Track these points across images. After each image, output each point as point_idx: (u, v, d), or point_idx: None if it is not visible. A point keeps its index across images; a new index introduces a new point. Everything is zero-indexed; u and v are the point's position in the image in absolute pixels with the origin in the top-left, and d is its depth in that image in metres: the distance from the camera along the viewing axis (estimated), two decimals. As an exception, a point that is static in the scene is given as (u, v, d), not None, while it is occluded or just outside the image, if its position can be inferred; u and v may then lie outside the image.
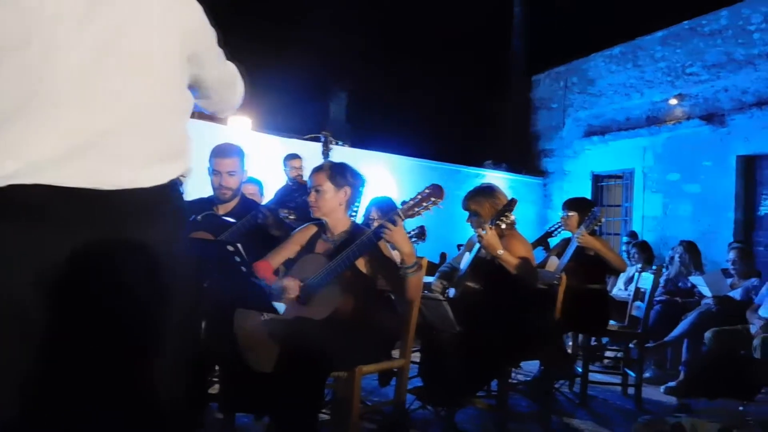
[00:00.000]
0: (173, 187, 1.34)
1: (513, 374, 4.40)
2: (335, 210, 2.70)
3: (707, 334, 4.41)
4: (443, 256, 5.95)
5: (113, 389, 1.22)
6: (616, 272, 4.59)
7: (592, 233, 4.06)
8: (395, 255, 2.65)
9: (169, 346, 1.29)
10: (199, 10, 1.39)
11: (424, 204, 2.45)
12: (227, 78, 1.56)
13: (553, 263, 4.22)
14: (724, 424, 1.74)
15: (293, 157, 5.16)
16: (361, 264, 2.59)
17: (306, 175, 3.12)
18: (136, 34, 1.24)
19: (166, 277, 1.27)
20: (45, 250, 1.14)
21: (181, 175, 1.38)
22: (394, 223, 2.43)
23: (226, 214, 3.04)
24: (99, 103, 1.20)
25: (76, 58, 1.17)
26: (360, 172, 2.79)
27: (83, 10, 1.18)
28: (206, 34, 1.42)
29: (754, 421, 1.71)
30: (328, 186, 2.65)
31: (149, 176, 1.26)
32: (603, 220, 4.03)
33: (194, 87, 1.45)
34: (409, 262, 2.51)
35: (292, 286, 2.50)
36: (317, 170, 2.72)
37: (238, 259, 2.05)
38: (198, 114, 1.63)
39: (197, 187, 3.26)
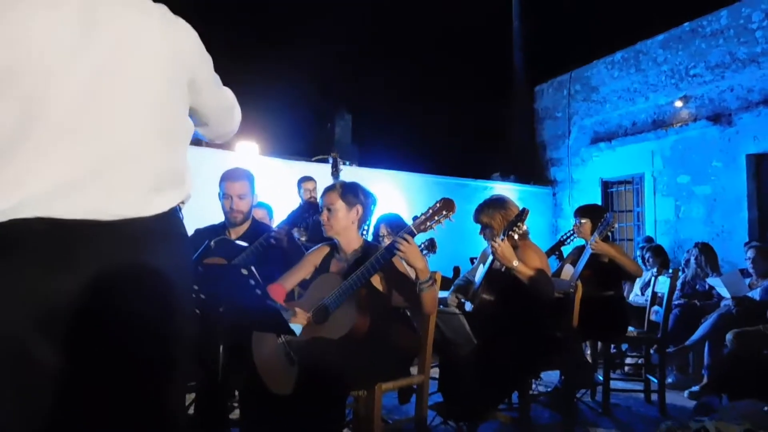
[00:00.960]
0: (174, 213, 1.35)
1: (533, 385, 4.36)
2: (347, 228, 2.71)
3: (728, 336, 4.36)
4: (456, 270, 5.94)
5: (125, 416, 1.22)
6: (632, 278, 4.55)
7: (606, 239, 4.04)
8: (409, 271, 2.64)
9: (177, 370, 1.31)
10: (194, 36, 1.39)
11: (436, 218, 2.45)
12: (225, 103, 1.56)
13: (568, 272, 4.20)
14: (749, 426, 1.72)
15: (307, 179, 5.24)
16: (376, 281, 2.59)
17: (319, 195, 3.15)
18: (132, 62, 1.23)
19: (170, 303, 1.28)
20: (47, 285, 1.13)
21: (181, 202, 1.39)
22: (406, 239, 2.43)
23: (238, 238, 3.06)
24: (97, 133, 1.19)
25: (72, 88, 1.16)
26: (370, 191, 2.81)
27: (77, 39, 1.17)
28: (203, 59, 1.42)
29: (781, 420, 1.68)
30: (340, 205, 2.67)
31: (151, 205, 1.26)
32: (616, 225, 4.01)
33: (192, 114, 1.46)
34: (423, 277, 2.51)
35: (301, 319, 2.51)
36: (329, 190, 2.74)
37: (252, 282, 2.05)
38: (205, 142, 1.66)
39: (208, 212, 3.29)
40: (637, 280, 5.96)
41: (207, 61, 1.44)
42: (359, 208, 2.71)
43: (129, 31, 1.24)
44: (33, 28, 1.14)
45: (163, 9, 1.33)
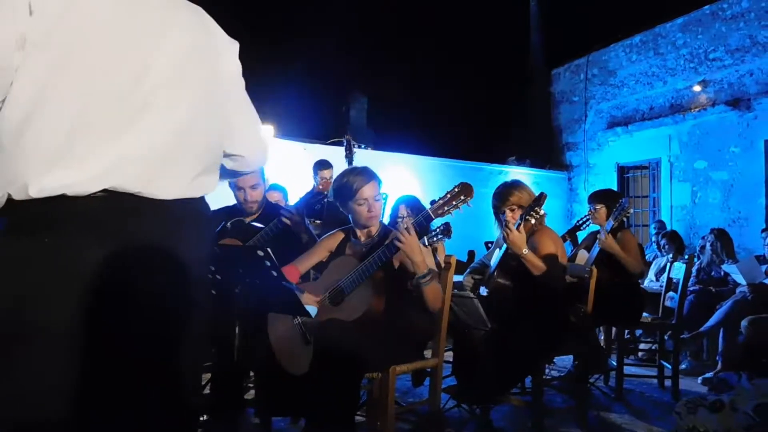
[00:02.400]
0: (203, 198, 1.39)
1: (547, 370, 4.37)
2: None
3: (743, 323, 4.34)
4: (471, 254, 5.94)
5: (142, 393, 1.24)
6: (632, 272, 4.46)
7: (621, 224, 4.02)
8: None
9: (196, 351, 1.35)
10: (236, 54, 1.47)
11: (454, 203, 2.45)
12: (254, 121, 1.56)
13: (583, 257, 4.18)
14: (763, 401, 1.72)
15: (324, 166, 5.04)
16: (394, 262, 2.60)
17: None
18: (195, 53, 1.31)
19: (197, 283, 1.33)
20: (85, 260, 1.16)
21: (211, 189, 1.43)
22: (407, 231, 2.42)
23: (253, 220, 3.08)
24: (160, 114, 1.24)
25: (139, 69, 1.22)
26: None
27: (155, 26, 1.25)
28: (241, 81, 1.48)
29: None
30: (379, 194, 2.69)
31: (197, 187, 1.32)
32: (631, 210, 3.99)
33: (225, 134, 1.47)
34: (419, 271, 2.46)
35: (310, 302, 2.52)
36: (374, 180, 2.67)
37: (268, 263, 2.07)
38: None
39: (219, 196, 3.31)
40: (653, 265, 5.94)
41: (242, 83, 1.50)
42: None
43: (193, 24, 1.33)
44: (102, 8, 1.20)
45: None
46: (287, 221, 2.92)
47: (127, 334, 1.22)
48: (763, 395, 1.79)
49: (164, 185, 1.25)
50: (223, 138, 1.43)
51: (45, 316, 1.14)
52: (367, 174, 2.68)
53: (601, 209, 4.17)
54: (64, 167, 1.15)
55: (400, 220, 3.53)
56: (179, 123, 1.27)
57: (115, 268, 1.18)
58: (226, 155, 1.47)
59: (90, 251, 1.16)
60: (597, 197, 4.31)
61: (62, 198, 1.15)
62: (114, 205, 1.19)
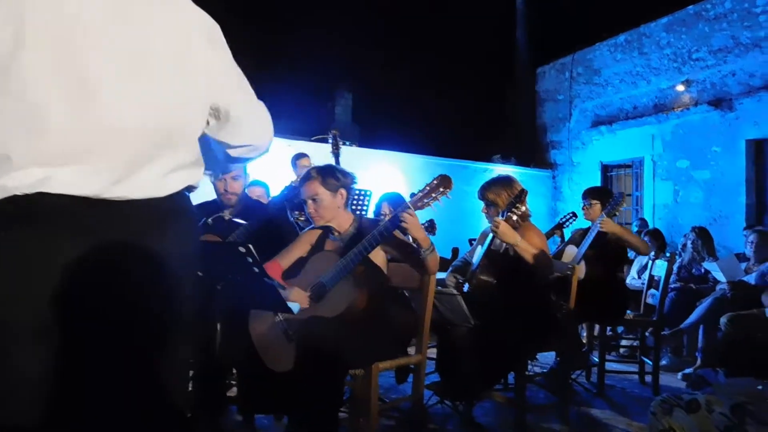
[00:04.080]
0: (185, 195, 1.37)
1: (530, 366, 4.39)
2: (337, 213, 2.71)
3: (723, 320, 4.39)
4: (455, 251, 5.96)
5: (123, 391, 1.23)
6: (633, 260, 4.52)
7: (612, 218, 4.06)
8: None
9: (179, 349, 1.32)
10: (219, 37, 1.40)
11: (433, 195, 2.46)
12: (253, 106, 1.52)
13: (570, 253, 4.20)
14: (739, 401, 1.74)
15: (302, 156, 5.09)
16: (374, 257, 2.60)
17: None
18: (158, 43, 1.26)
19: (177, 283, 1.30)
20: (64, 257, 1.15)
21: (193, 186, 1.40)
22: (409, 212, 2.46)
23: (233, 215, 3.06)
24: (122, 114, 1.21)
25: (98, 65, 1.18)
26: (346, 170, 2.80)
27: (111, 16, 1.20)
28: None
29: (773, 398, 1.70)
30: (323, 192, 2.66)
31: (167, 185, 1.28)
32: (624, 204, 4.03)
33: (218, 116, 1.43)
34: (426, 246, 2.61)
35: (301, 299, 2.52)
36: (307, 180, 2.70)
37: (250, 260, 2.06)
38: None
39: (200, 192, 3.29)
40: (635, 263, 5.99)
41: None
42: (342, 191, 2.71)
43: (152, 12, 1.26)
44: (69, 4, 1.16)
45: None
46: (301, 219, 2.92)
47: (104, 331, 1.20)
48: (739, 394, 1.81)
49: (135, 182, 1.22)
50: (221, 130, 1.40)
51: (16, 313, 1.12)
52: (313, 171, 2.72)
53: (596, 205, 4.21)
54: (39, 165, 1.13)
55: (383, 216, 3.53)
56: (144, 118, 1.23)
57: (89, 265, 1.16)
58: (232, 147, 1.45)
59: (63, 248, 1.15)
60: (591, 193, 4.35)
61: (37, 195, 1.13)
62: (84, 202, 1.17)
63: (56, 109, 1.14)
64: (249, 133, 1.48)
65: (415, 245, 2.63)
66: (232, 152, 1.48)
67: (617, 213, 4.04)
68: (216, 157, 1.50)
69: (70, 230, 1.16)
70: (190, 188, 1.40)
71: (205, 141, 1.42)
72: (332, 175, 2.69)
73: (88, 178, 1.17)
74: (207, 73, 1.34)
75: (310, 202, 2.68)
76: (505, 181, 3.37)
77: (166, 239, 1.27)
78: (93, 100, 1.17)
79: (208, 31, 1.36)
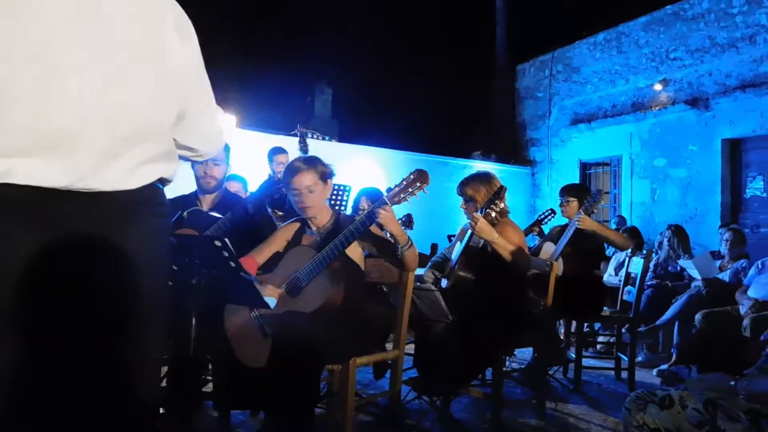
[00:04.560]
0: (156, 185, 1.34)
1: (507, 362, 4.41)
2: (323, 204, 2.71)
3: (697, 316, 4.45)
4: (434, 247, 5.96)
5: (91, 386, 1.21)
6: (622, 248, 4.54)
7: (589, 216, 4.09)
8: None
9: (146, 343, 1.30)
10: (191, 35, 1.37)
11: (410, 190, 2.44)
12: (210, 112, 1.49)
13: (549, 249, 4.22)
14: (711, 396, 1.76)
15: (280, 151, 5.01)
16: (351, 252, 2.58)
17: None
18: (126, 33, 1.23)
19: (146, 275, 1.27)
20: (24, 250, 1.12)
21: (166, 179, 1.37)
22: (385, 207, 2.44)
23: (210, 209, 3.02)
24: (91, 105, 1.18)
25: (67, 56, 1.15)
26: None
27: (78, 8, 1.17)
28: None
29: (745, 394, 1.72)
30: (317, 183, 2.64)
31: (135, 177, 1.26)
32: (602, 202, 4.05)
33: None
34: (402, 241, 2.59)
35: (274, 292, 2.50)
36: (298, 172, 2.64)
37: (226, 254, 2.03)
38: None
39: (180, 185, 3.24)
40: (612, 260, 6.05)
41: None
42: (330, 182, 2.72)
43: (121, 3, 1.23)
44: None
45: None
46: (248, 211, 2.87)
47: (69, 324, 1.18)
48: (711, 390, 1.83)
49: (103, 175, 1.20)
50: (174, 127, 1.36)
51: None
52: (304, 162, 2.68)
53: (573, 202, 4.23)
54: (4, 156, 1.11)
55: (361, 212, 3.51)
56: (112, 110, 1.20)
57: (52, 257, 1.14)
58: (178, 145, 1.41)
59: (25, 240, 1.12)
60: (568, 191, 4.36)
61: (1, 186, 1.11)
62: (49, 193, 1.15)
63: (22, 101, 1.12)
64: (199, 136, 1.44)
65: (392, 240, 2.61)
66: (176, 151, 1.43)
67: (595, 210, 4.06)
68: None
69: (34, 222, 1.14)
70: (164, 181, 1.37)
71: None
72: (323, 165, 2.71)
73: (54, 170, 1.14)
74: (175, 66, 1.31)
75: (305, 192, 2.63)
76: (484, 178, 3.37)
77: (136, 231, 1.25)
78: (59, 92, 1.14)
79: (177, 22, 1.33)
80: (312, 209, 2.66)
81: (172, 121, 1.34)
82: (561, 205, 4.35)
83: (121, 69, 1.21)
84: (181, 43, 1.33)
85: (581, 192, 4.27)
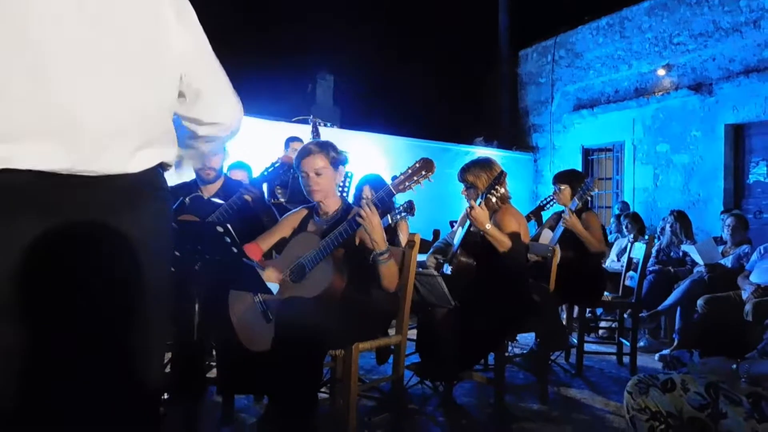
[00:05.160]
0: (158, 169, 1.33)
1: (509, 347, 4.43)
2: (333, 190, 2.69)
3: (699, 302, 4.46)
4: (436, 233, 5.95)
5: (94, 373, 1.21)
6: (593, 250, 4.52)
7: (585, 204, 4.07)
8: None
9: (150, 329, 1.30)
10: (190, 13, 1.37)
11: (415, 178, 2.44)
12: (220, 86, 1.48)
13: (547, 236, 4.23)
14: (712, 380, 1.76)
15: (295, 140, 5.11)
16: (356, 240, 2.58)
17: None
18: (121, 19, 1.22)
19: (148, 260, 1.27)
20: (28, 235, 1.12)
21: (167, 164, 1.37)
22: (369, 208, 2.41)
23: (212, 196, 3.03)
24: (88, 90, 1.17)
25: (61, 40, 1.14)
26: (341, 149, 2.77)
27: None
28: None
29: (747, 377, 1.73)
30: (327, 166, 2.62)
31: (136, 161, 1.25)
32: (595, 190, 4.04)
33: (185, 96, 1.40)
34: (377, 249, 2.47)
35: (273, 277, 2.50)
36: (310, 153, 2.62)
37: (228, 240, 2.04)
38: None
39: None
40: (614, 245, 6.05)
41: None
42: (341, 168, 2.69)
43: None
44: None
45: None
46: (248, 198, 2.87)
47: (74, 309, 1.18)
48: (712, 373, 1.83)
49: (104, 159, 1.19)
50: (191, 107, 1.38)
51: None
52: (315, 146, 2.66)
53: (566, 189, 4.22)
54: (4, 141, 1.10)
55: (364, 199, 3.51)
56: (111, 94, 1.20)
57: (55, 241, 1.14)
58: (201, 123, 1.43)
59: (28, 225, 1.12)
60: (561, 178, 4.35)
61: (2, 172, 1.10)
62: (51, 178, 1.14)
63: (18, 85, 1.11)
64: (221, 111, 1.45)
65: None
66: (201, 130, 1.45)
67: (589, 196, 4.05)
68: (183, 137, 1.47)
69: (38, 207, 1.14)
70: (165, 166, 1.37)
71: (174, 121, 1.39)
72: (335, 151, 2.67)
73: (54, 154, 1.14)
74: (176, 48, 1.31)
75: (312, 175, 2.60)
76: (485, 163, 3.36)
77: (138, 215, 1.25)
78: (56, 76, 1.14)
79: (174, 3, 1.32)
80: (319, 193, 2.64)
81: (172, 102, 1.34)
82: (554, 193, 4.36)
83: (118, 53, 1.21)
84: (180, 24, 1.32)
85: (573, 179, 4.25)
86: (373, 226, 2.42)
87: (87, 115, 1.17)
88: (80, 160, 1.16)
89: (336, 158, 2.65)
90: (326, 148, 2.65)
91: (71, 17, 1.15)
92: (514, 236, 3.18)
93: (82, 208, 1.18)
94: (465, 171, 3.35)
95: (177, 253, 2.23)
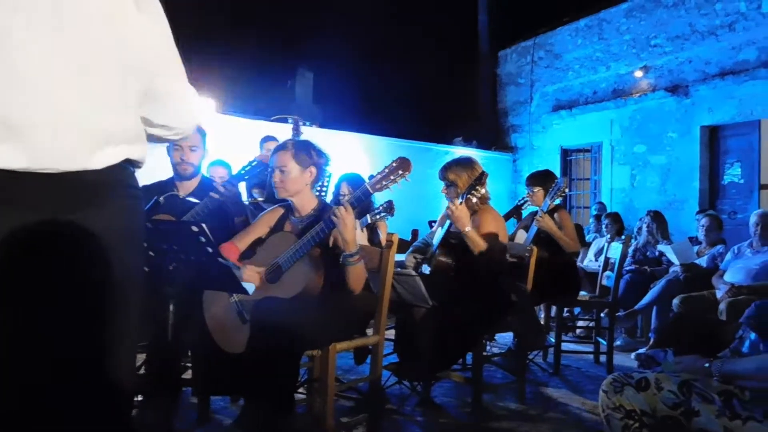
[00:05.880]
0: (127, 169, 1.30)
1: (488, 347, 4.44)
2: (302, 191, 2.66)
3: (675, 301, 4.52)
4: (415, 232, 5.97)
5: (61, 373, 1.18)
6: (569, 250, 4.56)
7: (558, 204, 4.12)
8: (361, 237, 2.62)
9: (118, 329, 1.27)
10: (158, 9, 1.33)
11: (392, 177, 2.43)
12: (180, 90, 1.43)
13: (521, 236, 4.26)
14: (685, 378, 1.78)
15: (270, 139, 5.06)
16: (332, 241, 2.56)
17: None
18: (80, 15, 1.18)
19: (116, 259, 1.24)
20: None
21: (137, 162, 1.33)
22: (344, 208, 2.40)
23: (188, 195, 2.99)
24: (45, 83, 1.14)
25: (21, 36, 1.11)
26: (324, 150, 2.74)
27: None
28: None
29: (719, 376, 1.75)
30: (293, 166, 2.59)
31: (98, 158, 1.22)
32: (567, 189, 4.08)
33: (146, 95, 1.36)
34: (347, 250, 2.46)
35: (253, 277, 2.47)
36: (281, 149, 2.64)
37: (203, 239, 2.01)
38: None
39: (159, 172, 3.20)
40: (592, 245, 6.10)
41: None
42: (313, 169, 2.65)
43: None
44: None
45: None
46: (216, 196, 2.83)
47: (33, 309, 1.15)
48: (686, 372, 1.85)
49: (63, 154, 1.16)
50: (143, 105, 1.32)
51: None
52: (290, 143, 2.66)
53: (538, 191, 4.26)
54: None
55: (342, 197, 3.50)
56: (68, 86, 1.17)
57: (14, 240, 1.11)
58: (152, 125, 1.37)
59: None
60: (532, 180, 4.40)
61: None
62: (11, 175, 1.11)
63: None
64: (176, 115, 1.39)
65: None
66: (149, 130, 1.38)
67: (562, 195, 4.09)
68: None
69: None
70: (134, 164, 1.34)
71: None
72: (306, 151, 2.64)
73: (9, 152, 1.11)
74: (136, 40, 1.27)
75: (276, 172, 2.61)
76: (467, 163, 3.37)
77: (103, 212, 1.22)
78: (10, 71, 1.11)
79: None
80: (281, 190, 2.63)
81: (133, 99, 1.30)
82: (528, 195, 4.40)
83: (75, 45, 1.18)
84: (142, 13, 1.28)
85: (545, 180, 4.29)
86: (347, 226, 2.41)
87: (42, 113, 1.14)
88: (37, 158, 1.13)
89: (307, 159, 2.62)
90: (299, 147, 2.64)
91: (26, 14, 1.12)
92: (493, 237, 3.19)
93: (41, 204, 1.15)
94: (446, 169, 3.36)
95: (151, 253, 2.20)
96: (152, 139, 1.42)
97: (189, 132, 1.47)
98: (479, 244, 3.11)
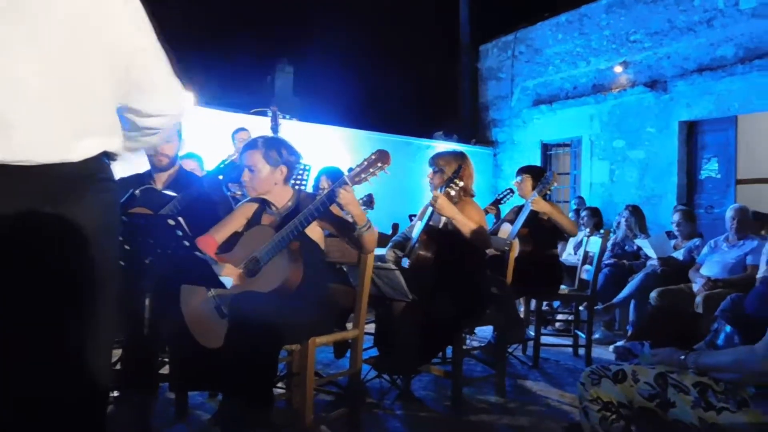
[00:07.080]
0: (103, 162, 1.28)
1: (468, 340, 4.46)
2: (273, 189, 2.62)
3: (652, 294, 4.57)
4: (395, 226, 5.95)
5: (34, 370, 1.16)
6: (566, 238, 4.66)
7: (544, 198, 4.12)
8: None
9: (95, 322, 1.25)
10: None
11: (371, 170, 2.41)
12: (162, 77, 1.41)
13: (506, 230, 4.26)
14: (661, 370, 1.80)
15: (241, 130, 5.00)
16: (311, 232, 2.54)
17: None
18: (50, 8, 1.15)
19: (92, 252, 1.22)
20: None
21: (113, 154, 1.31)
22: (345, 188, 2.40)
23: (164, 188, 2.95)
24: (18, 77, 1.12)
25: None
26: (294, 147, 2.70)
27: None
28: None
29: (694, 367, 1.77)
30: (262, 165, 2.55)
31: (75, 150, 1.20)
32: (555, 184, 4.10)
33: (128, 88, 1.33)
34: (361, 223, 2.52)
35: (233, 274, 2.45)
36: (250, 148, 2.59)
37: (179, 233, 1.98)
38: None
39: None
40: (571, 239, 6.14)
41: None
42: (284, 168, 2.60)
43: None
44: None
45: None
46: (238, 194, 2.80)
47: (11, 300, 1.13)
48: (662, 364, 1.87)
49: (38, 146, 1.14)
50: (123, 96, 1.30)
51: None
52: (260, 141, 2.63)
53: (527, 180, 4.27)
54: None
55: (321, 191, 3.48)
56: (42, 76, 1.14)
57: None
58: (142, 115, 1.36)
59: None
60: (524, 169, 4.44)
61: None
62: None
63: None
64: (163, 102, 1.37)
65: (351, 221, 2.57)
66: (142, 121, 1.37)
67: (549, 191, 4.11)
68: (124, 130, 1.40)
69: None
70: (110, 156, 1.31)
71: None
72: (276, 149, 2.59)
73: None
74: (115, 36, 1.24)
75: (246, 170, 2.57)
76: (460, 155, 3.43)
77: (80, 204, 1.20)
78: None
79: None
80: (253, 190, 2.60)
81: (111, 87, 1.28)
82: (515, 183, 4.41)
83: (50, 36, 1.15)
84: (123, 11, 1.26)
85: (535, 171, 4.33)
86: (353, 202, 2.44)
87: (18, 105, 1.12)
88: (11, 150, 1.11)
89: (277, 158, 2.58)
90: (269, 146, 2.59)
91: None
92: (479, 225, 3.20)
93: (18, 196, 1.13)
94: (438, 156, 3.40)
95: (127, 247, 2.16)
96: (148, 132, 1.41)
97: (180, 116, 1.45)
98: (468, 224, 3.12)
